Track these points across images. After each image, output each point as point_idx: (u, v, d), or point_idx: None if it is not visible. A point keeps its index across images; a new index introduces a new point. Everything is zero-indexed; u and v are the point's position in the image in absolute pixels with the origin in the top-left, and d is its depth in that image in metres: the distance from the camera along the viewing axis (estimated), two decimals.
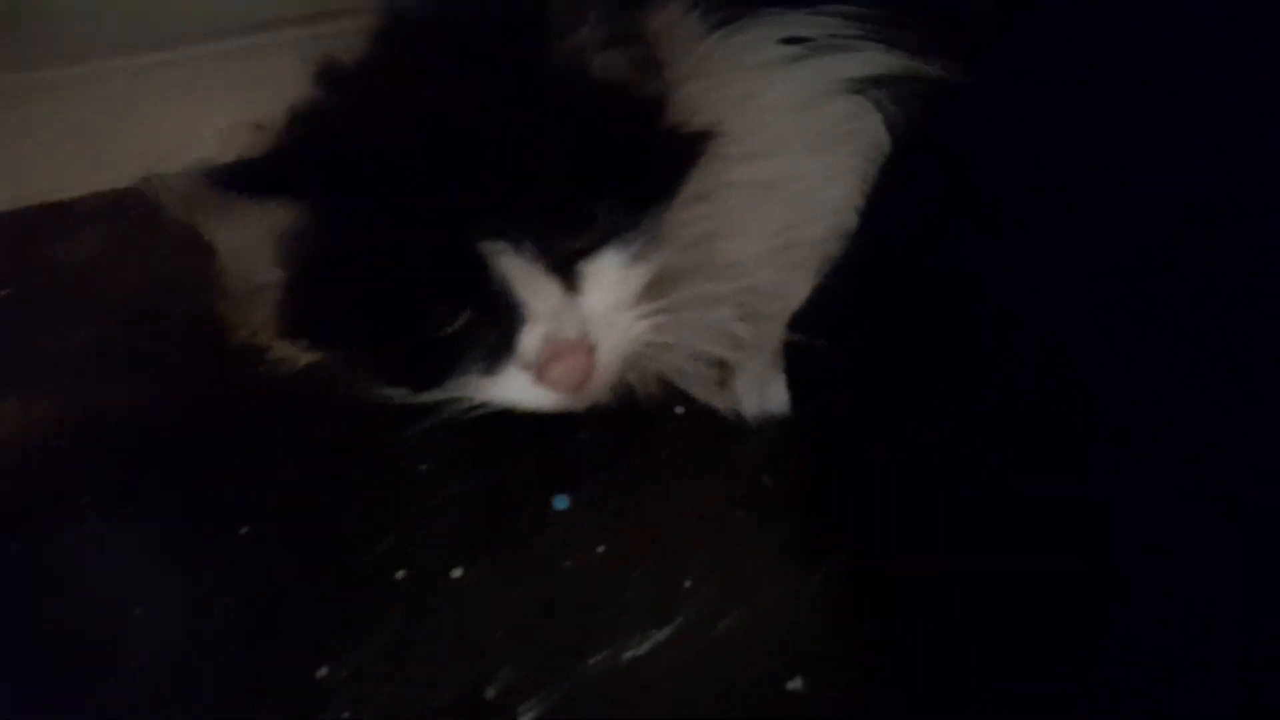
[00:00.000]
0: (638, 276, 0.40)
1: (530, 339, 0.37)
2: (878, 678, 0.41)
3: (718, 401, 0.48)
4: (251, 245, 0.39)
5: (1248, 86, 0.41)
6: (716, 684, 0.40)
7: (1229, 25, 0.41)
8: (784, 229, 0.44)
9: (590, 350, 0.38)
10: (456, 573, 0.42)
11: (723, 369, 0.49)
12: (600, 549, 0.44)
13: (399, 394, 0.42)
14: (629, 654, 0.40)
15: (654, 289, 0.41)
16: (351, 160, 0.36)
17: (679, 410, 0.49)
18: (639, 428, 0.48)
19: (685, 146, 0.41)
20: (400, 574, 0.41)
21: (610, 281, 0.39)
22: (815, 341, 0.45)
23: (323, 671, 0.38)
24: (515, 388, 0.39)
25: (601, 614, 0.42)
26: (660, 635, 0.41)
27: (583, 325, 0.38)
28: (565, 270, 0.38)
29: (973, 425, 0.42)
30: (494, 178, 0.36)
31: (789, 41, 0.44)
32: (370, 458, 0.45)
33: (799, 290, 0.45)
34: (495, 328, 0.38)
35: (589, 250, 0.38)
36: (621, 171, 0.39)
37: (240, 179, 0.36)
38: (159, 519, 0.44)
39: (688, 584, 0.43)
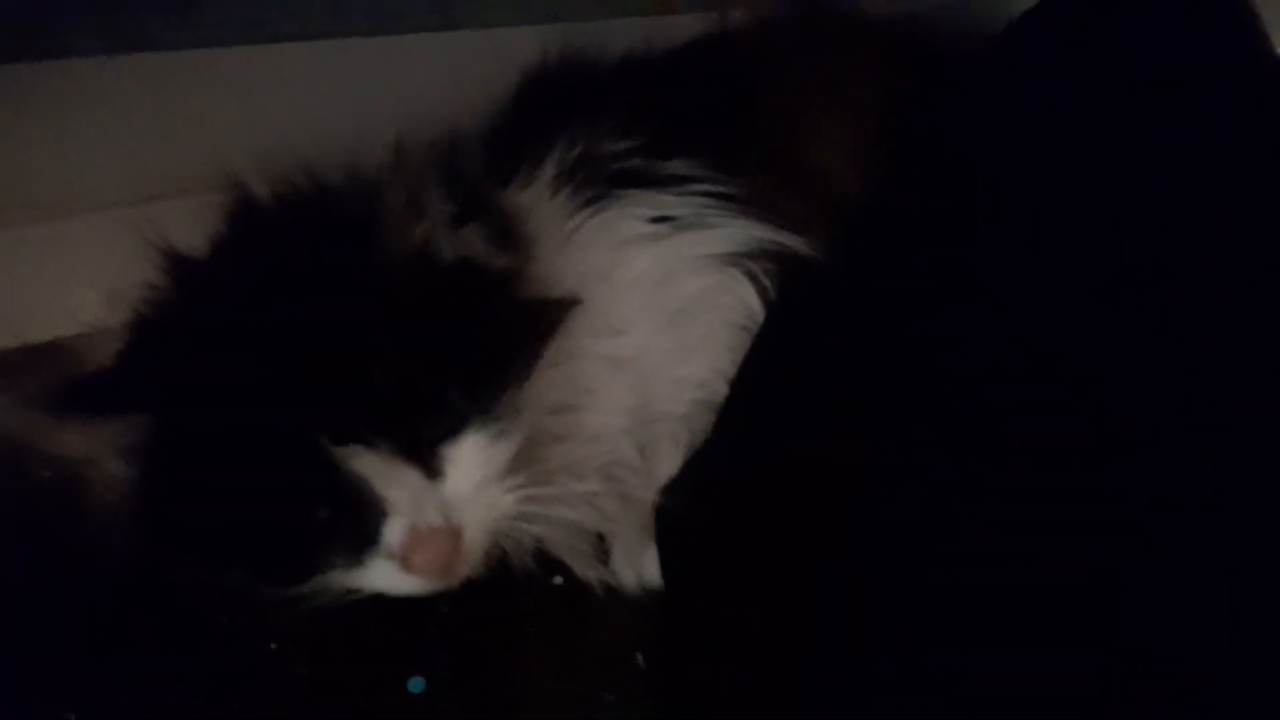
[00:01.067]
0: (501, 453, 0.39)
1: (393, 530, 0.37)
2: None
3: (594, 574, 0.47)
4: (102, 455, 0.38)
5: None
6: None
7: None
8: (641, 405, 0.44)
9: (457, 534, 0.37)
10: None
11: (601, 540, 0.48)
12: None
13: (267, 591, 0.40)
14: None
15: (519, 456, 0.40)
16: (194, 368, 0.36)
17: (557, 581, 0.47)
18: (509, 601, 0.46)
19: (543, 315, 0.41)
20: None
21: (473, 461, 0.38)
22: (685, 514, 0.44)
23: None
24: (382, 577, 0.38)
25: None
26: None
27: (445, 510, 0.37)
28: (424, 456, 0.37)
29: (851, 605, 0.41)
30: (340, 378, 0.36)
31: (656, 221, 0.45)
32: (217, 632, 0.43)
33: (665, 464, 0.45)
34: (356, 521, 0.37)
35: (448, 435, 0.38)
36: (475, 351, 0.38)
37: (77, 400, 0.36)
38: None
39: None
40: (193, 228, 0.41)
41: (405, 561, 0.37)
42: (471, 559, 0.39)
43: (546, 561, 0.47)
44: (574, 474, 0.43)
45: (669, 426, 0.45)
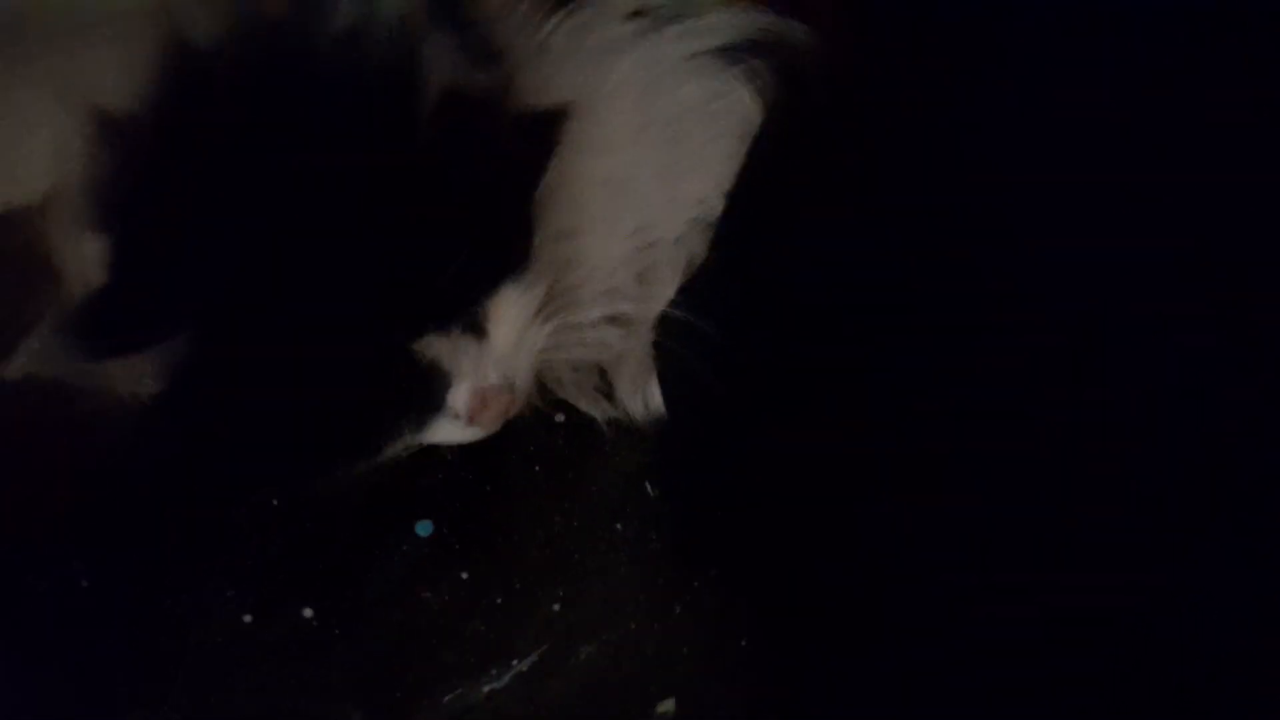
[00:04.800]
0: (535, 297, 0.38)
1: (459, 396, 0.37)
2: (753, 698, 0.38)
3: (599, 410, 0.45)
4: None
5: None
6: (581, 712, 0.38)
7: None
8: (640, 229, 0.41)
9: (513, 385, 0.38)
10: (307, 613, 0.39)
11: (603, 375, 0.46)
12: (464, 575, 0.41)
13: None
14: (488, 687, 0.38)
15: None
16: (236, 277, 0.32)
17: (559, 418, 0.46)
18: (513, 442, 0.45)
19: (538, 131, 0.38)
20: (248, 618, 0.39)
21: (513, 314, 0.38)
22: (683, 340, 0.42)
23: None
24: (444, 432, 0.39)
25: (461, 646, 0.39)
26: (522, 665, 0.39)
27: (500, 366, 0.38)
28: (473, 320, 0.37)
29: (850, 426, 0.40)
30: (397, 268, 0.33)
31: (633, 16, 0.40)
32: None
33: (663, 289, 0.42)
34: (422, 393, 0.37)
35: (487, 292, 0.37)
36: (487, 192, 0.36)
37: (108, 338, 0.32)
38: None
39: (556, 608, 0.40)
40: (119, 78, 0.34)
41: (471, 419, 0.38)
42: (522, 401, 0.40)
43: (548, 400, 0.46)
44: (576, 303, 0.41)
45: (666, 251, 0.42)
